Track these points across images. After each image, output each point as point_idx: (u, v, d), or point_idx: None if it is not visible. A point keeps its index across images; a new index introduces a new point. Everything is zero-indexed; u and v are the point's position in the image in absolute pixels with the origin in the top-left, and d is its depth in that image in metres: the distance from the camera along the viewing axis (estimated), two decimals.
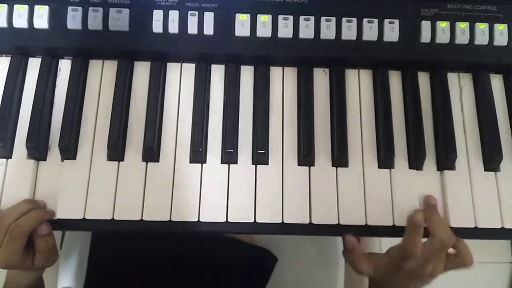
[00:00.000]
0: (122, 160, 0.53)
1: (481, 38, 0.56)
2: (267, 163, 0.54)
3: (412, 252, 0.48)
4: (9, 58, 0.55)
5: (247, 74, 0.57)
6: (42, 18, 0.54)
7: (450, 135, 0.55)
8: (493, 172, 0.55)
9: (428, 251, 0.49)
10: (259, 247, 0.75)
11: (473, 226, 0.53)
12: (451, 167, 0.55)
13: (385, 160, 0.54)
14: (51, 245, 0.50)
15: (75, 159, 0.52)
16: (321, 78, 0.57)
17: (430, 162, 0.55)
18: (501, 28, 0.57)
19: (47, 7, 0.54)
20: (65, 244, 0.76)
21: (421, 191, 0.54)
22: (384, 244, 1.27)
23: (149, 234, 0.60)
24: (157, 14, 0.55)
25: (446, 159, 0.54)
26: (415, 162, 0.54)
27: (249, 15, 0.55)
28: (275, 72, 0.57)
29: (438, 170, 0.55)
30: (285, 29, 0.55)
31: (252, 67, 0.57)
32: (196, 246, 0.70)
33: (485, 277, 1.29)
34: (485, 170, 0.55)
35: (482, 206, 0.53)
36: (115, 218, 0.50)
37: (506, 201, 0.54)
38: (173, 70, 0.56)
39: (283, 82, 0.57)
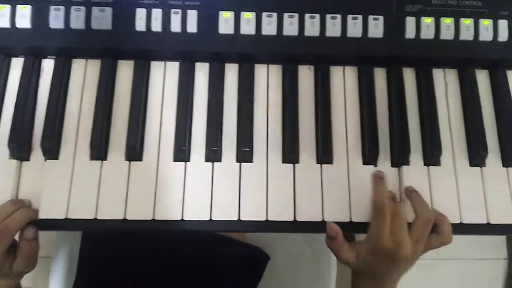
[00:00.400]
0: (105, 159, 0.52)
1: (466, 33, 0.56)
2: (251, 161, 0.53)
3: (381, 203, 0.49)
4: None
5: (231, 72, 0.57)
6: (24, 17, 0.54)
7: (435, 130, 0.55)
8: (479, 168, 0.55)
9: (415, 232, 0.50)
10: (251, 245, 0.74)
11: (458, 221, 0.53)
12: (437, 162, 0.54)
13: (370, 156, 0.54)
14: (35, 250, 0.49)
15: (57, 158, 0.52)
16: (305, 75, 0.57)
17: (416, 157, 0.55)
18: (486, 24, 0.56)
19: (29, 6, 0.54)
20: (56, 246, 0.76)
21: (406, 186, 0.53)
22: None
23: (134, 233, 0.60)
24: (140, 13, 0.54)
25: (431, 155, 0.54)
26: (400, 158, 0.54)
27: (232, 12, 0.55)
28: (260, 70, 0.57)
29: (424, 165, 0.55)
30: (269, 26, 0.55)
31: (237, 65, 0.57)
32: (187, 244, 0.70)
33: (480, 273, 1.29)
34: (470, 165, 0.55)
35: (468, 201, 0.53)
36: (98, 217, 0.50)
37: (491, 197, 0.54)
38: (156, 68, 0.56)
39: (267, 79, 0.57)
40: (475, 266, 1.29)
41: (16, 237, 0.49)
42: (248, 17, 0.55)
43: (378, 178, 0.52)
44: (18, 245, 0.49)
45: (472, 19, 0.56)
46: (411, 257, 0.50)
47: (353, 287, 0.55)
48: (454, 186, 0.54)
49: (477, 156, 0.54)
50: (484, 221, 0.53)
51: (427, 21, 0.56)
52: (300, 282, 0.77)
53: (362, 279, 0.53)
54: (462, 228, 0.53)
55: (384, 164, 0.54)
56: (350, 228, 0.52)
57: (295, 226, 0.52)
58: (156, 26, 0.54)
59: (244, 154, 0.53)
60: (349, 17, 0.56)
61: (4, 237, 0.46)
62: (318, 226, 0.52)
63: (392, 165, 0.54)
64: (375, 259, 0.50)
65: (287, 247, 0.76)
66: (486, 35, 0.56)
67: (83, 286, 0.68)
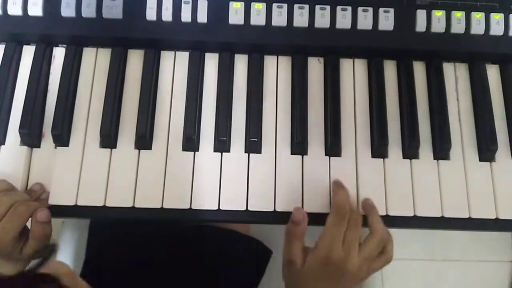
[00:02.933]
0: (115, 147, 0.53)
1: (477, 27, 0.56)
2: (260, 152, 0.53)
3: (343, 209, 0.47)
4: (4, 45, 0.56)
5: (241, 63, 0.57)
6: (36, 5, 0.54)
7: (445, 124, 0.54)
8: (488, 162, 0.54)
9: (366, 249, 0.47)
10: (255, 239, 0.75)
11: (467, 216, 0.53)
12: (446, 156, 0.54)
13: (379, 149, 0.54)
14: (48, 233, 0.49)
15: (68, 146, 0.52)
16: (315, 67, 0.57)
17: (426, 151, 0.54)
18: (497, 18, 0.56)
19: None
20: (60, 237, 0.76)
21: (415, 180, 0.53)
22: None
23: (142, 222, 0.60)
24: (151, 2, 0.54)
25: (440, 149, 0.54)
26: (409, 151, 0.54)
27: (243, 3, 0.55)
28: (269, 61, 0.57)
29: (434, 159, 0.54)
30: (279, 17, 0.55)
31: (246, 56, 0.57)
32: (193, 236, 0.70)
33: (486, 276, 1.28)
34: (480, 160, 0.55)
35: (477, 196, 0.53)
36: (107, 204, 0.50)
37: (500, 192, 0.53)
38: (166, 58, 0.56)
39: (277, 70, 0.57)
40: (482, 268, 1.29)
41: (28, 224, 0.49)
42: (258, 7, 0.55)
43: (339, 184, 0.51)
44: (30, 228, 0.49)
45: (483, 13, 0.56)
46: (355, 275, 0.47)
47: None
48: (463, 181, 0.54)
49: (486, 151, 0.54)
50: (493, 216, 0.53)
51: (438, 14, 0.56)
52: None
53: None
54: (470, 223, 0.53)
55: (393, 157, 0.54)
56: None
57: None
58: (167, 16, 0.54)
59: (253, 144, 0.53)
60: (360, 9, 0.56)
61: (16, 219, 0.46)
62: (324, 218, 0.52)
63: (404, 157, 0.54)
64: (322, 269, 0.47)
65: None
66: (497, 29, 0.56)
67: (91, 275, 0.68)
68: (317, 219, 0.51)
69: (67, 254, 0.73)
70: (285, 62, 0.57)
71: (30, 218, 0.48)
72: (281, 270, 0.70)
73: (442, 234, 1.28)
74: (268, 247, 0.75)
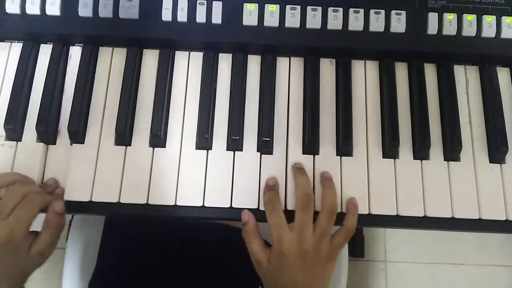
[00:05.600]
0: (130, 145, 0.53)
1: (488, 30, 0.57)
2: (272, 151, 0.54)
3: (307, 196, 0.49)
4: (21, 44, 0.57)
5: (254, 63, 0.58)
6: (54, 5, 0.55)
7: (455, 126, 0.55)
8: (498, 164, 0.55)
9: (319, 224, 0.49)
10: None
11: (477, 217, 0.53)
12: (456, 158, 0.55)
13: (390, 150, 0.54)
14: (62, 225, 0.49)
15: (83, 143, 0.53)
16: (327, 69, 0.58)
17: (436, 152, 0.55)
18: (508, 21, 0.57)
19: None
20: (69, 237, 0.76)
21: (425, 181, 0.54)
22: (388, 234, 1.27)
23: (154, 219, 0.61)
24: (167, 3, 0.55)
25: (451, 150, 0.54)
26: (420, 152, 0.54)
27: (257, 4, 0.56)
28: (282, 62, 0.58)
29: (444, 160, 0.55)
30: (293, 19, 0.56)
31: (259, 57, 0.58)
32: (198, 233, 0.71)
33: (492, 280, 1.28)
34: (490, 162, 0.55)
35: (487, 197, 0.53)
36: (121, 201, 0.51)
37: (510, 193, 0.53)
38: (181, 58, 0.57)
39: (289, 71, 0.58)
40: (487, 272, 1.29)
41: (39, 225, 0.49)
42: (272, 9, 0.56)
43: (299, 169, 0.51)
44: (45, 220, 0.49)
45: (494, 16, 0.57)
46: (316, 255, 0.48)
47: None
48: (473, 182, 0.54)
49: (497, 153, 0.55)
50: (503, 218, 0.53)
51: (450, 17, 0.56)
52: None
53: None
54: (480, 225, 0.53)
55: (404, 157, 0.54)
56: (367, 222, 0.53)
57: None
58: (182, 16, 0.55)
59: (265, 144, 0.54)
60: (372, 11, 0.56)
61: (30, 208, 0.46)
62: (337, 219, 0.52)
63: (414, 158, 0.54)
64: (285, 263, 0.48)
65: None
66: (508, 32, 0.57)
67: (105, 274, 0.69)
68: None
69: (76, 253, 0.74)
70: (297, 63, 0.58)
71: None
72: None
73: (448, 238, 1.28)
74: None
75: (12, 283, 0.48)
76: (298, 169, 0.52)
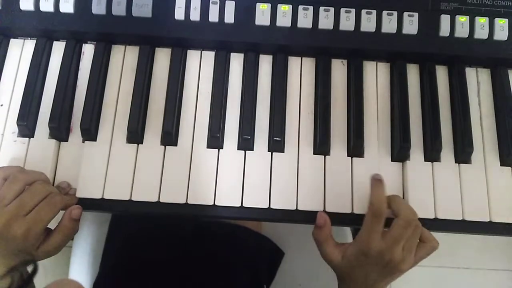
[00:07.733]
0: (141, 143, 0.54)
1: (501, 33, 0.56)
2: (283, 151, 0.54)
3: (379, 207, 0.48)
4: (35, 41, 0.57)
5: (265, 63, 0.58)
6: (68, 2, 0.55)
7: (467, 128, 0.55)
8: (510, 167, 0.55)
9: (395, 231, 0.48)
10: (267, 237, 0.75)
11: (487, 220, 0.53)
12: (467, 160, 0.55)
13: (401, 151, 0.54)
14: (76, 230, 0.50)
15: (95, 140, 0.53)
16: (339, 69, 0.58)
17: (447, 154, 0.55)
18: None
19: None
20: (76, 235, 0.76)
21: (436, 182, 0.54)
22: None
23: (165, 217, 0.61)
24: (180, 2, 0.56)
25: (462, 152, 0.54)
26: (431, 154, 0.54)
27: (269, 4, 0.56)
28: (294, 62, 0.58)
29: (455, 162, 0.55)
30: (305, 19, 0.56)
31: (271, 56, 0.58)
32: (206, 232, 0.71)
33: (494, 284, 1.28)
34: (501, 165, 0.55)
35: (497, 200, 0.53)
36: (133, 199, 0.51)
37: None
38: (193, 57, 0.57)
39: (301, 71, 0.58)
40: (490, 276, 1.28)
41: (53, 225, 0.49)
42: (284, 9, 0.56)
43: (377, 181, 0.50)
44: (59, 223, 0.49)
45: (506, 19, 0.57)
46: (399, 263, 0.49)
47: None
48: (484, 185, 0.54)
49: (508, 156, 0.55)
50: None
51: (462, 19, 0.56)
52: (315, 277, 0.77)
53: (346, 285, 0.52)
54: (490, 227, 0.53)
55: (415, 159, 0.54)
56: None
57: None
58: (195, 16, 0.56)
59: (276, 143, 0.54)
60: (384, 13, 0.56)
61: (50, 209, 0.47)
62: (347, 219, 0.53)
63: (425, 160, 0.54)
64: (363, 262, 0.49)
65: (302, 242, 0.76)
66: None
67: (109, 272, 0.69)
68: (339, 219, 0.52)
69: (81, 251, 0.74)
70: (309, 64, 0.58)
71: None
72: (292, 272, 0.71)
73: (451, 241, 1.28)
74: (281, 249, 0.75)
75: (6, 266, 0.46)
76: (377, 180, 0.50)
